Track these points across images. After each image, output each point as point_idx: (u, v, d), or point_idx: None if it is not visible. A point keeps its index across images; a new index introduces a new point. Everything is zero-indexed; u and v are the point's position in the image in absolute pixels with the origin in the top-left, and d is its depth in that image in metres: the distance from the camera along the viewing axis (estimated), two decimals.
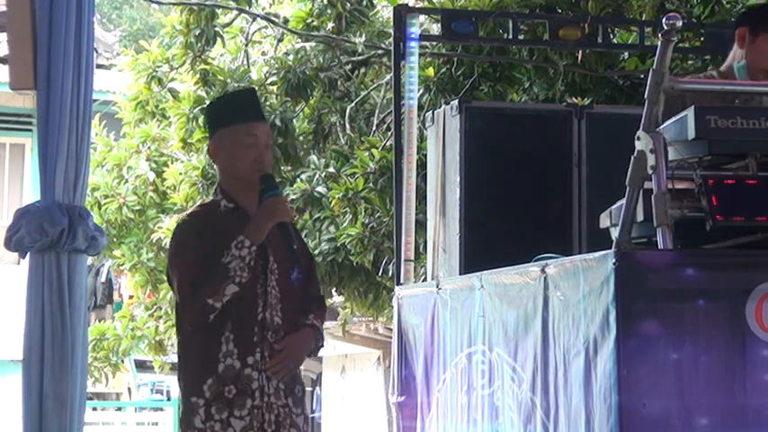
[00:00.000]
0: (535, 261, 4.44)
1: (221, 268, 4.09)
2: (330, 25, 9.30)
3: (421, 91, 8.22)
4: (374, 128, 9.22)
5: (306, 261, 4.40)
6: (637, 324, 3.77)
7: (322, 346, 4.37)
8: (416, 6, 7.98)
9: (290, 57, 9.33)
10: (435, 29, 8.27)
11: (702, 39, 7.37)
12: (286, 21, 9.59)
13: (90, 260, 5.42)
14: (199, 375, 4.16)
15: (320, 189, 8.93)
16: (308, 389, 18.59)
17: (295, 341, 4.21)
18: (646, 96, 3.95)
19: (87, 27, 4.48)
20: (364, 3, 9.32)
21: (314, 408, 18.81)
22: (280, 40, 9.81)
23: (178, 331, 4.30)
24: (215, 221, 4.23)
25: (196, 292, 4.12)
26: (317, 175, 8.98)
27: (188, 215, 4.42)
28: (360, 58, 9.46)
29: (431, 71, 8.57)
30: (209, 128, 4.48)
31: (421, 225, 6.68)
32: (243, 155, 4.25)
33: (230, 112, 4.36)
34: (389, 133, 8.62)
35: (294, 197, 8.80)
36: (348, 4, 9.22)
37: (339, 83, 9.41)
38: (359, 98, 9.37)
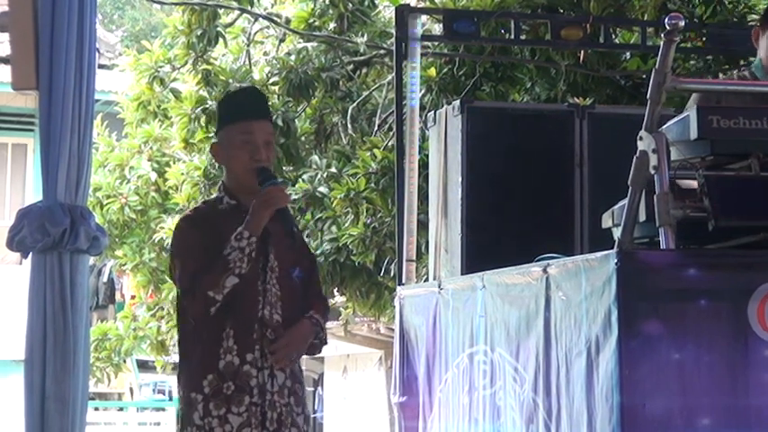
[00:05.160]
0: (537, 261, 4.44)
1: (222, 260, 4.09)
2: (332, 25, 9.31)
3: (423, 91, 8.22)
4: (376, 128, 9.22)
5: (308, 261, 4.41)
6: (639, 324, 3.77)
7: (325, 342, 4.35)
8: (418, 6, 7.98)
9: (292, 57, 9.34)
10: (437, 29, 8.26)
11: (704, 39, 7.37)
12: (288, 21, 9.60)
13: (92, 260, 5.42)
14: (199, 371, 4.15)
15: (322, 189, 8.93)
16: (310, 389, 18.59)
17: (294, 332, 4.21)
18: (648, 96, 3.95)
19: (89, 27, 4.49)
20: (366, 3, 9.33)
21: (316, 408, 18.82)
22: (282, 41, 9.81)
23: (179, 326, 4.31)
24: (216, 218, 4.23)
25: (197, 284, 4.11)
26: (319, 176, 8.98)
27: (191, 211, 4.45)
28: (362, 58, 9.47)
29: (433, 71, 8.57)
30: (216, 129, 4.51)
31: (423, 225, 6.68)
32: (238, 154, 4.23)
33: (229, 112, 4.37)
34: (391, 133, 8.62)
35: (296, 197, 8.80)
36: (350, 5, 9.23)
37: (341, 83, 9.41)
38: (361, 98, 9.37)
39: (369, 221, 8.70)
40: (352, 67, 9.48)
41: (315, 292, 4.40)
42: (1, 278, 14.83)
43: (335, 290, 9.77)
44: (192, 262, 4.15)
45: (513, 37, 7.20)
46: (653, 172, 3.88)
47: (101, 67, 12.81)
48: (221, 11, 9.54)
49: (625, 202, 3.97)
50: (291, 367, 4.24)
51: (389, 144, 8.66)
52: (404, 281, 6.27)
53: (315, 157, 9.19)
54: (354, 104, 9.30)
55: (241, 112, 4.29)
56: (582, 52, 8.00)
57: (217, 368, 4.12)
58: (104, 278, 18.52)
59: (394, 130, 7.25)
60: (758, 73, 4.70)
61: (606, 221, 4.31)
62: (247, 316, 4.15)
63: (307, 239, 8.67)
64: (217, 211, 4.27)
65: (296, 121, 9.27)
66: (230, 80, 9.31)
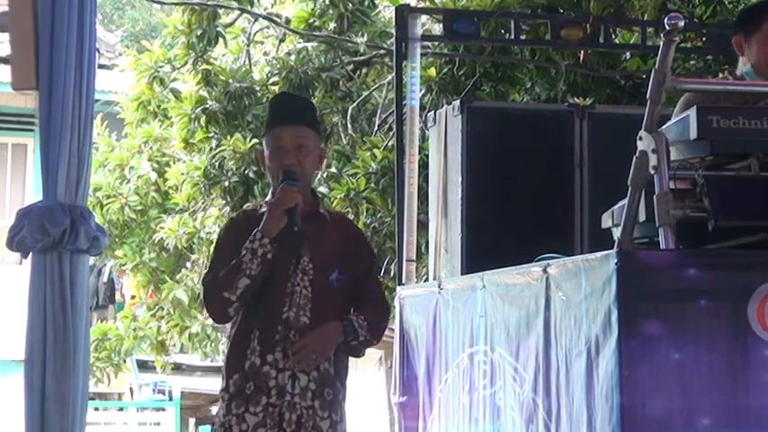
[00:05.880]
0: (537, 261, 4.44)
1: (237, 262, 4.16)
2: (332, 25, 9.32)
3: (423, 91, 8.23)
4: (376, 128, 9.23)
5: (353, 264, 4.36)
6: (639, 324, 3.77)
7: (369, 343, 4.30)
8: (418, 6, 7.99)
9: (292, 57, 9.35)
10: (437, 29, 8.27)
11: (704, 39, 7.38)
12: (288, 21, 9.60)
13: (92, 260, 5.42)
14: (229, 370, 4.23)
15: (322, 189, 8.93)
16: None
17: (315, 334, 4.20)
18: (648, 96, 3.95)
19: (89, 27, 4.48)
20: (366, 3, 9.33)
21: None
22: (282, 41, 9.82)
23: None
24: (253, 221, 4.27)
25: (214, 285, 4.19)
26: (319, 176, 8.98)
27: (234, 215, 4.63)
28: (361, 58, 9.48)
29: (432, 71, 8.57)
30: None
31: (423, 225, 6.69)
32: (271, 159, 4.31)
33: (265, 121, 4.48)
34: (391, 133, 8.62)
35: None
36: (350, 5, 9.23)
37: (341, 83, 9.42)
38: (361, 98, 9.37)
39: (369, 221, 8.70)
40: (352, 67, 9.48)
41: (367, 295, 4.36)
42: (1, 278, 14.82)
43: None
44: (217, 264, 4.25)
45: (513, 37, 7.20)
46: (653, 172, 3.88)
47: (101, 67, 12.80)
48: (221, 11, 9.55)
49: (625, 202, 3.97)
50: (320, 370, 4.21)
51: (389, 144, 8.66)
52: (404, 281, 6.27)
53: None
54: (354, 104, 9.31)
55: (272, 119, 4.38)
56: (582, 52, 8.01)
57: (243, 368, 4.18)
58: (104, 278, 18.51)
59: (394, 130, 7.25)
60: (751, 78, 4.68)
61: (606, 221, 4.30)
62: (271, 317, 4.18)
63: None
64: (256, 214, 4.31)
65: None
66: (230, 80, 9.32)
